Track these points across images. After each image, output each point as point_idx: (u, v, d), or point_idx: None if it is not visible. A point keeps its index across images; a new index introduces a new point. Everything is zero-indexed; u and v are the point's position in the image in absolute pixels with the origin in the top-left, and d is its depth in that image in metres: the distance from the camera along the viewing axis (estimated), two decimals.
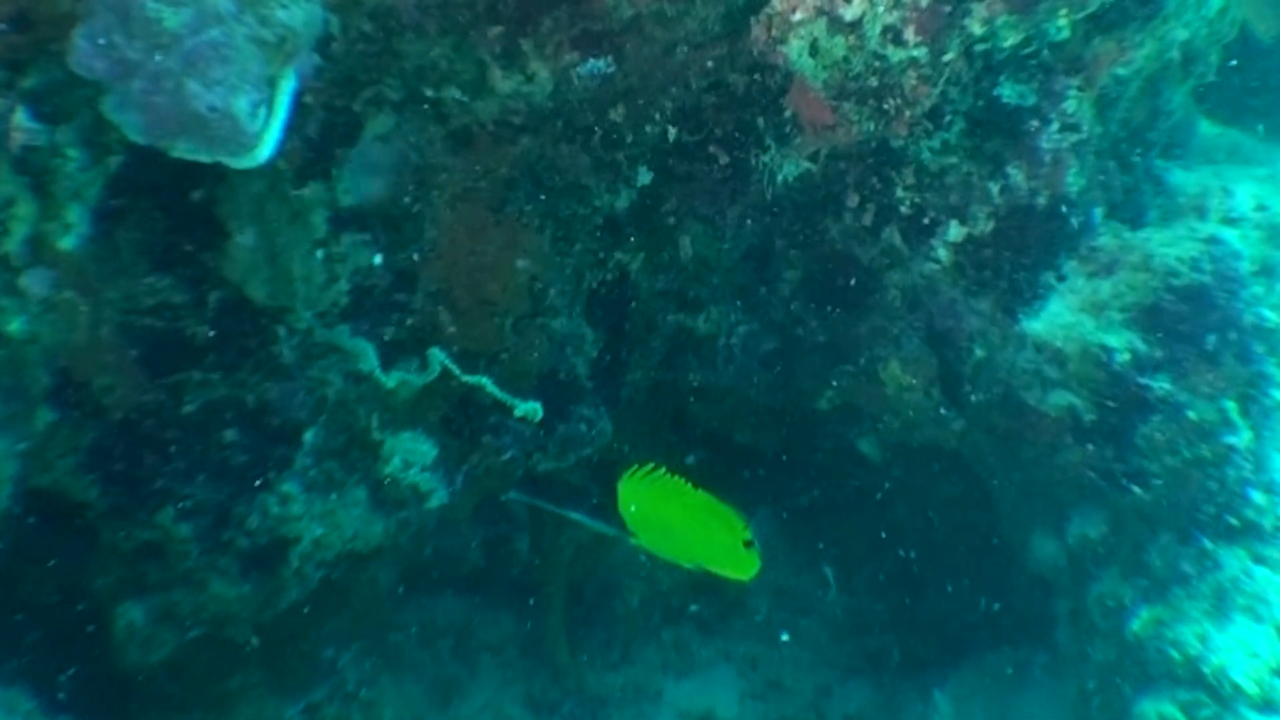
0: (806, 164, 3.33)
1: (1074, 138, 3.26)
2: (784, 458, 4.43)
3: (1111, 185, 3.49)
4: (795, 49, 2.79)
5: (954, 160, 3.31)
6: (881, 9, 2.71)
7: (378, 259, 3.16)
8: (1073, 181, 3.31)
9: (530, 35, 2.88)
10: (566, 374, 3.61)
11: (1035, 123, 3.23)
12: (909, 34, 2.73)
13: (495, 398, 3.24)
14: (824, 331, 3.70)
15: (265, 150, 2.39)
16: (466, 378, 3.20)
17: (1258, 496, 3.34)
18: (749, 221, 3.48)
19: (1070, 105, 3.23)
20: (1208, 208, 3.61)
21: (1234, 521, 3.35)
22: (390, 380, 3.16)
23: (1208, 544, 3.37)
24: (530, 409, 3.27)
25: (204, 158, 2.38)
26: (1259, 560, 3.34)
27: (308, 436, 3.23)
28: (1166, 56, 3.44)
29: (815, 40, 2.77)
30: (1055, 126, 3.24)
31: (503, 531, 4.70)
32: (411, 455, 3.44)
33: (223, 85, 2.29)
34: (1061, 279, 3.42)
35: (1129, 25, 3.18)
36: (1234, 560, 3.35)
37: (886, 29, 2.73)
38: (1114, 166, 3.49)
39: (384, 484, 3.41)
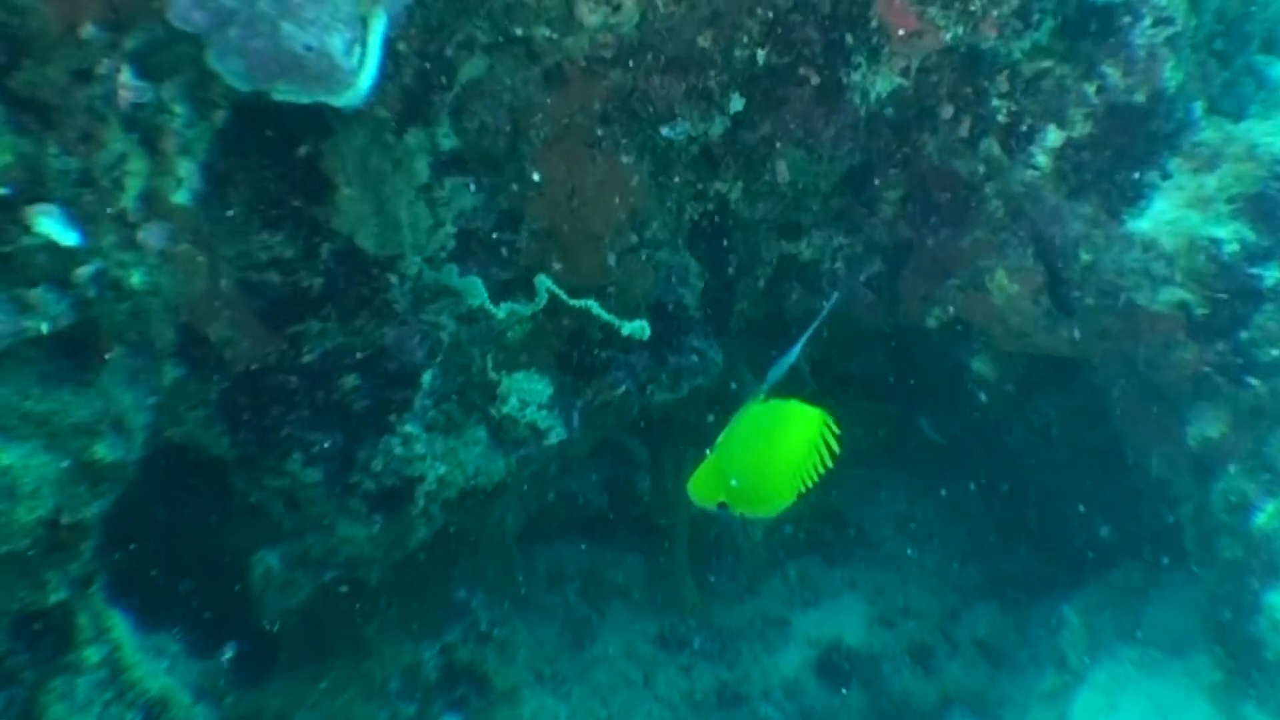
0: (898, 79, 3.34)
1: (1168, 31, 3.23)
2: (897, 383, 4.43)
3: (1210, 79, 3.44)
4: None
5: (1048, 64, 3.30)
6: None
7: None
8: (1170, 76, 3.28)
9: None
10: (674, 305, 3.65)
11: (1128, 18, 3.21)
12: None
13: (603, 321, 3.28)
14: (928, 249, 3.70)
15: (363, 86, 2.45)
16: (573, 302, 3.25)
17: None
18: (845, 142, 3.48)
19: None
20: None
21: None
22: (501, 311, 3.21)
23: None
24: (637, 327, 3.31)
25: (304, 98, 2.45)
26: None
27: (425, 379, 3.31)
28: None
29: None
30: (1148, 21, 3.21)
31: (623, 474, 4.75)
32: (527, 394, 3.51)
33: (316, 25, 2.35)
34: (1166, 177, 3.39)
35: None
36: None
37: None
38: (1211, 60, 3.44)
39: (502, 423, 3.47)
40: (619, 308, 3.44)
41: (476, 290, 3.21)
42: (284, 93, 2.43)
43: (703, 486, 2.59)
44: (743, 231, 3.73)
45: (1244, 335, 3.29)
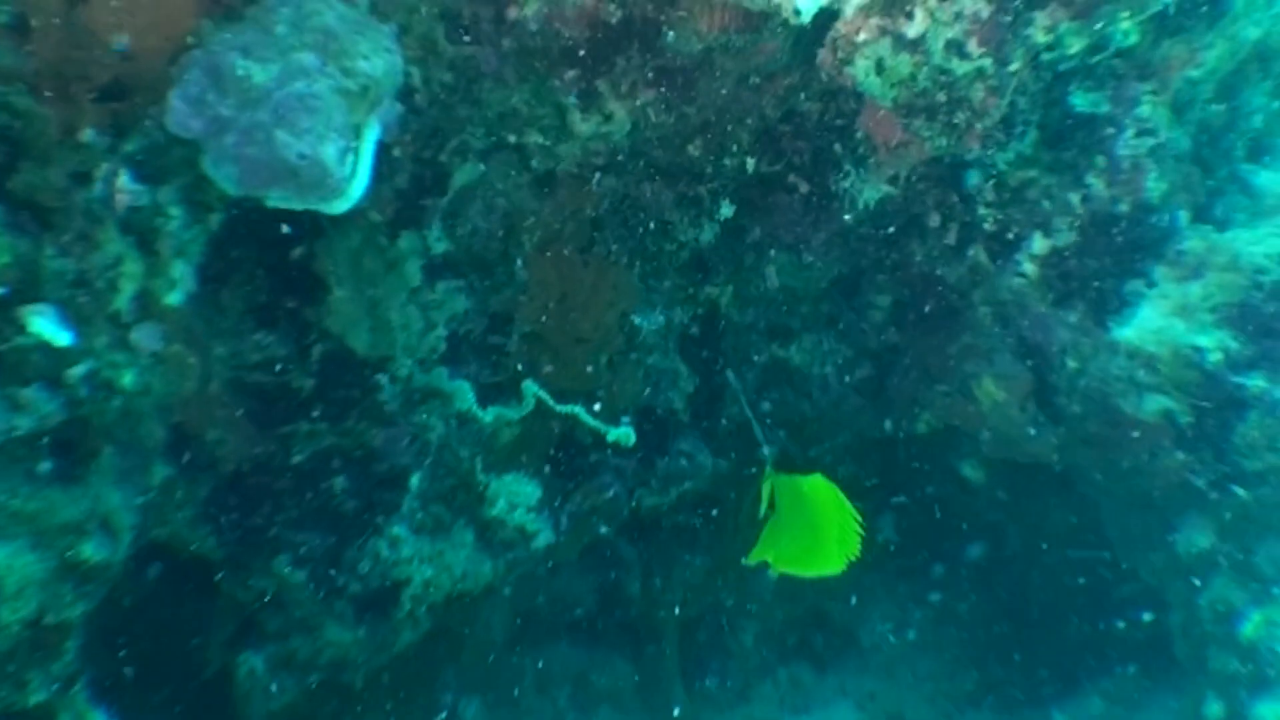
0: (886, 188, 3.37)
1: (1151, 142, 3.28)
2: (887, 486, 4.43)
3: (1194, 188, 3.48)
4: (862, 69, 2.84)
5: (1033, 173, 3.35)
6: (943, 24, 2.74)
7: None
8: (1153, 186, 3.32)
9: (605, 76, 2.96)
10: (664, 409, 3.67)
11: (1111, 130, 3.27)
12: (972, 46, 2.76)
13: (589, 427, 3.30)
14: (917, 354, 3.72)
15: (355, 194, 2.49)
16: (560, 407, 3.27)
17: None
18: (834, 249, 3.52)
19: (1145, 110, 3.25)
20: None
21: None
22: (487, 415, 3.23)
23: None
24: (622, 434, 3.33)
25: (297, 205, 2.48)
26: None
27: (414, 481, 3.32)
28: (1240, 57, 3.44)
29: (880, 59, 2.82)
30: (1131, 132, 3.27)
31: (614, 576, 4.74)
32: (516, 496, 3.52)
33: (311, 134, 2.39)
34: (1152, 285, 3.42)
35: (1197, 27, 3.21)
36: None
37: (949, 43, 2.76)
38: (1195, 170, 3.49)
39: (490, 525, 3.48)
40: (608, 411, 3.46)
41: (464, 394, 3.23)
42: (277, 199, 2.46)
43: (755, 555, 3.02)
44: (733, 335, 3.75)
45: (1229, 444, 3.31)
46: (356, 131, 2.50)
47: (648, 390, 3.61)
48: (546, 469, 3.56)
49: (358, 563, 3.26)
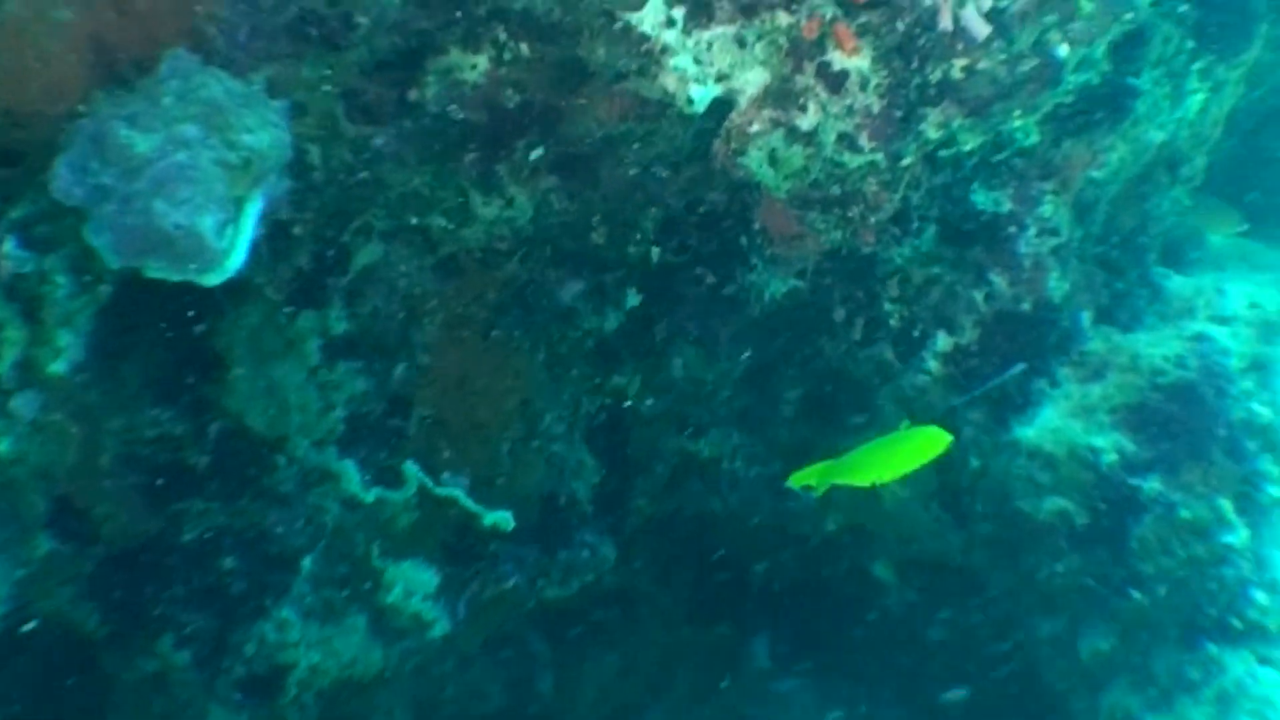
0: (794, 281, 3.39)
1: (1053, 242, 3.31)
2: (799, 585, 4.40)
3: (1097, 289, 3.51)
4: (755, 160, 2.86)
5: (937, 270, 3.36)
6: (835, 117, 2.77)
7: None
8: (1055, 286, 3.35)
9: (505, 160, 2.97)
10: (567, 499, 3.64)
11: (1013, 228, 3.29)
12: (864, 140, 2.78)
13: (469, 511, 3.28)
14: (826, 450, 3.71)
15: (232, 266, 2.47)
16: (438, 490, 3.24)
17: (1260, 596, 3.28)
18: (743, 341, 3.52)
19: (1047, 210, 3.28)
20: (1197, 307, 3.61)
21: (1237, 623, 3.29)
22: (369, 496, 3.20)
23: (1211, 648, 3.30)
24: (500, 518, 3.30)
25: (174, 276, 2.45)
26: (1264, 662, 3.26)
27: (306, 563, 3.27)
28: (1145, 160, 3.48)
29: (774, 151, 2.83)
30: (1033, 231, 3.30)
31: (525, 671, 4.67)
32: (413, 583, 3.47)
33: (188, 204, 2.38)
34: (1055, 385, 3.43)
35: (1098, 128, 3.24)
36: (1238, 663, 3.28)
37: (841, 136, 2.78)
38: (1099, 271, 3.52)
39: (385, 612, 3.43)
40: (509, 499, 3.42)
41: (349, 475, 3.19)
42: (155, 270, 2.43)
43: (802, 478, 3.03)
44: (642, 427, 3.73)
45: (1125, 546, 3.30)
46: (238, 204, 2.49)
47: (550, 479, 3.58)
48: (446, 556, 3.51)
49: (243, 645, 3.20)
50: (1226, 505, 3.25)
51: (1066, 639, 3.64)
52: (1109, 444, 3.29)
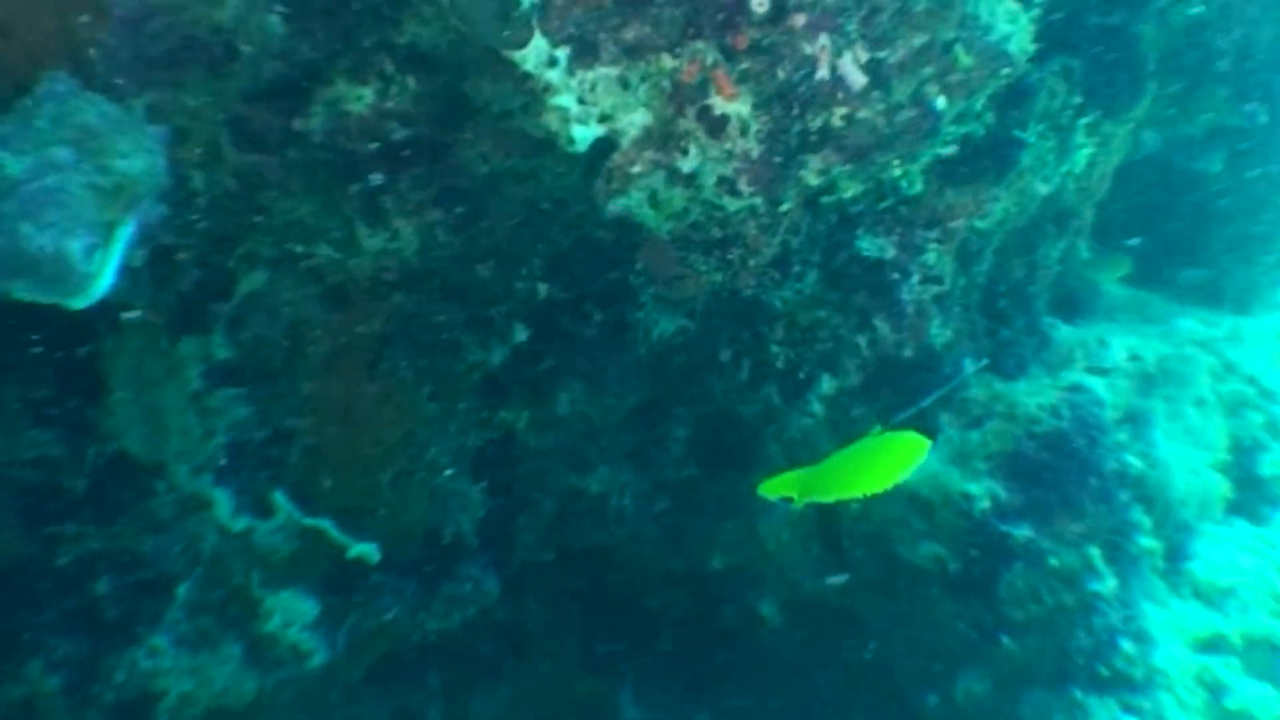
0: (683, 320, 3.41)
1: (936, 290, 3.35)
2: (690, 624, 4.40)
3: (980, 337, 3.55)
4: (636, 201, 2.87)
5: (822, 313, 3.39)
6: (715, 160, 2.78)
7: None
8: (937, 333, 3.39)
9: (390, 192, 2.98)
10: (451, 533, 3.63)
11: (896, 275, 3.32)
12: (743, 184, 2.80)
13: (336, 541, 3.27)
14: (712, 489, 3.74)
15: (98, 291, 2.46)
16: (305, 520, 3.23)
17: (1127, 645, 3.33)
18: (631, 379, 3.53)
19: (930, 258, 3.32)
20: (1076, 358, 3.67)
21: (1104, 671, 3.33)
22: (237, 525, 3.18)
23: (1078, 695, 3.35)
24: (365, 550, 3.29)
25: (41, 298, 2.45)
26: (1129, 710, 3.31)
27: (181, 590, 3.25)
28: (1031, 211, 3.54)
29: (654, 192, 2.85)
30: (916, 279, 3.33)
31: (414, 702, 4.64)
32: (292, 613, 3.45)
33: (55, 228, 2.37)
34: (937, 431, 3.46)
35: (982, 179, 3.28)
36: (1104, 712, 3.32)
37: (721, 180, 2.80)
38: (982, 319, 3.56)
39: (263, 641, 3.41)
40: (391, 531, 3.42)
41: (220, 502, 3.18)
42: (21, 292, 2.42)
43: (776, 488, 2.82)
44: (530, 461, 3.73)
45: (996, 593, 3.33)
46: (108, 229, 2.48)
47: (434, 512, 3.57)
48: (326, 587, 3.49)
49: (114, 671, 3.17)
50: (1096, 554, 3.30)
51: (945, 683, 3.67)
52: (983, 491, 3.33)
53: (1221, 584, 3.68)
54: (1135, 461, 3.39)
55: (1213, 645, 3.51)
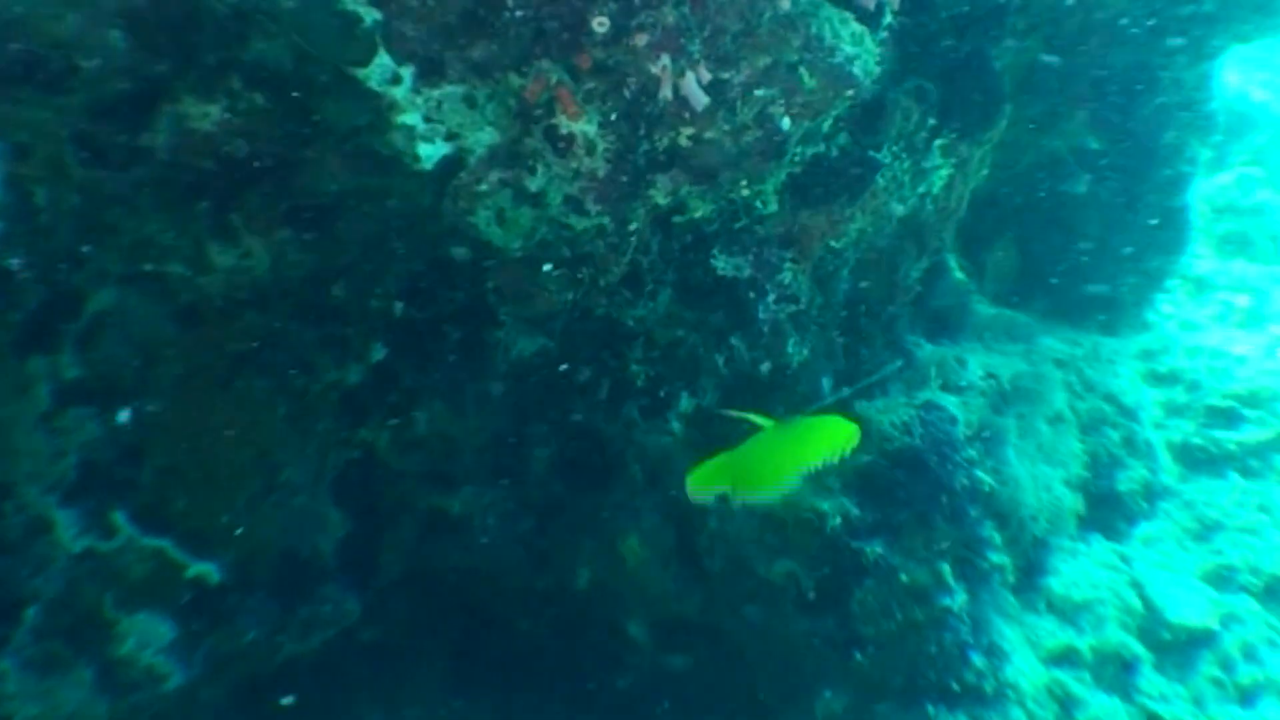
0: (543, 339, 3.41)
1: (792, 308, 3.38)
2: (559, 642, 4.39)
3: (837, 355, 3.59)
4: (483, 219, 2.88)
5: (680, 332, 3.41)
6: (562, 179, 2.80)
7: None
8: (793, 351, 3.41)
9: (238, 210, 2.96)
10: (309, 553, 3.60)
11: (752, 294, 3.34)
12: (590, 204, 2.82)
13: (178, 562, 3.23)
14: (575, 509, 3.74)
15: None
16: (145, 540, 3.19)
17: (977, 659, 3.37)
18: (490, 399, 3.53)
19: (786, 277, 3.35)
20: (931, 376, 3.72)
21: (955, 685, 3.38)
22: (77, 546, 3.14)
23: (930, 710, 3.38)
24: (204, 570, 3.26)
25: None
26: None
27: (29, 614, 3.19)
28: (888, 232, 3.58)
29: (502, 210, 2.86)
30: (772, 298, 3.36)
31: None
32: (147, 636, 3.39)
33: None
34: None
35: (836, 200, 3.32)
36: None
37: (568, 199, 2.82)
38: (840, 337, 3.60)
39: (117, 664, 3.35)
40: (246, 552, 3.38)
41: (62, 524, 3.13)
42: None
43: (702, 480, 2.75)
44: (392, 482, 3.72)
45: (848, 609, 3.37)
46: None
47: (290, 532, 3.54)
48: (183, 608, 3.45)
49: None
50: (947, 570, 3.34)
51: (805, 700, 3.70)
52: (834, 508, 3.36)
53: (1076, 598, 3.75)
54: (986, 478, 3.44)
55: (1064, 659, 3.57)
